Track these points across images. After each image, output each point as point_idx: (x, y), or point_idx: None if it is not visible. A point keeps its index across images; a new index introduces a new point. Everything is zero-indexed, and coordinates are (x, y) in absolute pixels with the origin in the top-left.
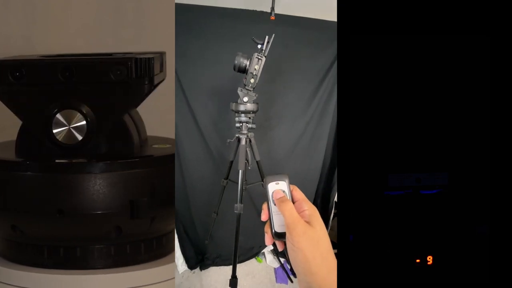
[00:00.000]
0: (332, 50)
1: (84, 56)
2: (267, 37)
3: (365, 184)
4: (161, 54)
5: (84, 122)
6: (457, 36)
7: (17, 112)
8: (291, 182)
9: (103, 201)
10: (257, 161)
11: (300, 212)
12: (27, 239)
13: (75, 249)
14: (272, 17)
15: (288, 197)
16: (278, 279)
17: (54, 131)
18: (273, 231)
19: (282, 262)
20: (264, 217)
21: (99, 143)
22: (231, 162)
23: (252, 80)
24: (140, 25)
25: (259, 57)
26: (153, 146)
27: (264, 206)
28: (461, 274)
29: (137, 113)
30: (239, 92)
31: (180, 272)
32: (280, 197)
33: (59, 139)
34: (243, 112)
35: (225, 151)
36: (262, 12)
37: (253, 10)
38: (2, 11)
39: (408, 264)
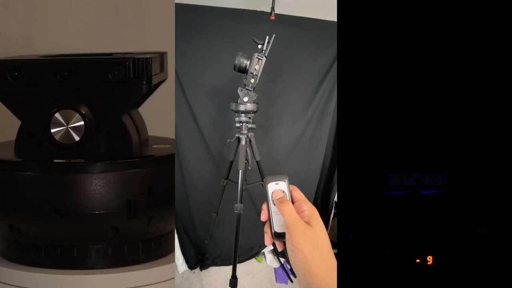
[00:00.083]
0: (332, 50)
1: (83, 56)
2: (267, 37)
3: (365, 184)
4: (162, 54)
5: (82, 122)
6: (457, 36)
7: (15, 112)
8: (291, 182)
9: (100, 201)
10: (257, 161)
11: (299, 212)
12: (25, 238)
13: (73, 249)
14: (272, 17)
15: (288, 197)
16: (278, 279)
17: (52, 130)
18: (273, 231)
19: (282, 262)
20: (263, 217)
21: (98, 143)
22: (231, 162)
23: (252, 80)
24: (140, 25)
25: (260, 57)
26: (153, 146)
27: (264, 206)
28: (461, 274)
29: (138, 113)
30: (239, 92)
31: (180, 272)
32: (280, 198)
33: (57, 139)
34: (243, 112)
35: (225, 151)
36: (262, 12)
37: (253, 10)
38: (2, 11)
39: (408, 264)
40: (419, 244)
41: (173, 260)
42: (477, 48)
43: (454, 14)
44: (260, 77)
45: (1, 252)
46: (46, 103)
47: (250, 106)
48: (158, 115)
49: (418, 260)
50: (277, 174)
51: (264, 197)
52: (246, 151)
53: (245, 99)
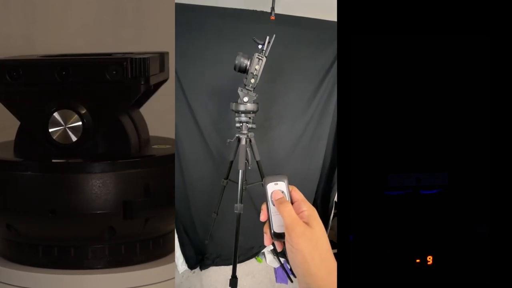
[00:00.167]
0: (332, 50)
1: (82, 56)
2: (267, 37)
3: (365, 184)
4: (162, 54)
5: (80, 122)
6: (457, 36)
7: (14, 112)
8: (291, 182)
9: (96, 201)
10: (257, 161)
11: (299, 212)
12: (22, 238)
13: (69, 248)
14: (272, 17)
15: (287, 197)
16: (278, 279)
17: (50, 130)
18: (272, 231)
19: (282, 262)
20: (263, 217)
21: (95, 143)
22: (231, 162)
23: (252, 80)
24: (140, 25)
25: (260, 57)
26: (152, 146)
27: (263, 206)
28: (461, 274)
29: (139, 113)
30: (239, 92)
31: (180, 272)
32: (279, 198)
33: (55, 139)
34: (243, 112)
35: (225, 151)
36: (262, 12)
37: (253, 10)
38: (2, 11)
39: (408, 264)
40: (419, 244)
41: (173, 260)
42: (477, 48)
43: (454, 14)
44: (260, 77)
45: (1, 252)
46: (44, 103)
47: (250, 106)
48: (158, 115)
49: (418, 260)
50: (276, 174)
51: (264, 197)
52: (246, 151)
53: (245, 99)
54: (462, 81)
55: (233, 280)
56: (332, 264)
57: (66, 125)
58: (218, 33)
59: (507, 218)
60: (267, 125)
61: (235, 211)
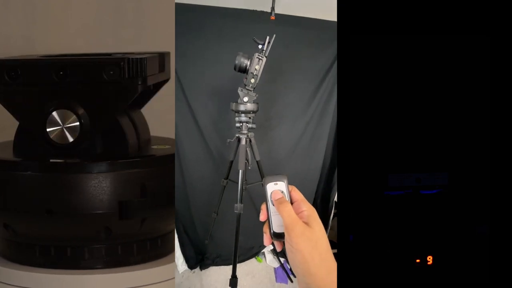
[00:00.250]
0: (332, 50)
1: (81, 56)
2: (268, 37)
3: (365, 184)
4: (162, 54)
5: (77, 123)
6: (457, 36)
7: (12, 112)
8: (291, 182)
9: (92, 202)
10: (257, 161)
11: (298, 212)
12: (19, 238)
13: (66, 248)
14: (272, 17)
15: (287, 197)
16: (278, 278)
17: (48, 130)
18: (272, 231)
19: (282, 261)
20: (262, 217)
21: (93, 143)
22: (231, 162)
23: (252, 80)
24: (140, 25)
25: (260, 57)
26: (152, 147)
27: (263, 206)
28: (461, 274)
29: (139, 113)
30: (239, 92)
31: (180, 272)
32: (279, 198)
33: (53, 139)
34: (243, 112)
35: (225, 151)
36: (262, 12)
37: (253, 10)
38: (2, 11)
39: (408, 264)
40: (419, 244)
41: (173, 260)
42: (477, 48)
43: (454, 14)
44: (260, 77)
45: (0, 252)
46: (43, 102)
47: (250, 106)
48: (158, 115)
49: (418, 260)
50: (276, 174)
51: (263, 197)
52: (246, 151)
53: (245, 99)
54: (462, 81)
55: (233, 280)
56: (332, 264)
57: (64, 125)
58: (218, 33)
59: (507, 218)
60: (267, 125)
61: (235, 211)
